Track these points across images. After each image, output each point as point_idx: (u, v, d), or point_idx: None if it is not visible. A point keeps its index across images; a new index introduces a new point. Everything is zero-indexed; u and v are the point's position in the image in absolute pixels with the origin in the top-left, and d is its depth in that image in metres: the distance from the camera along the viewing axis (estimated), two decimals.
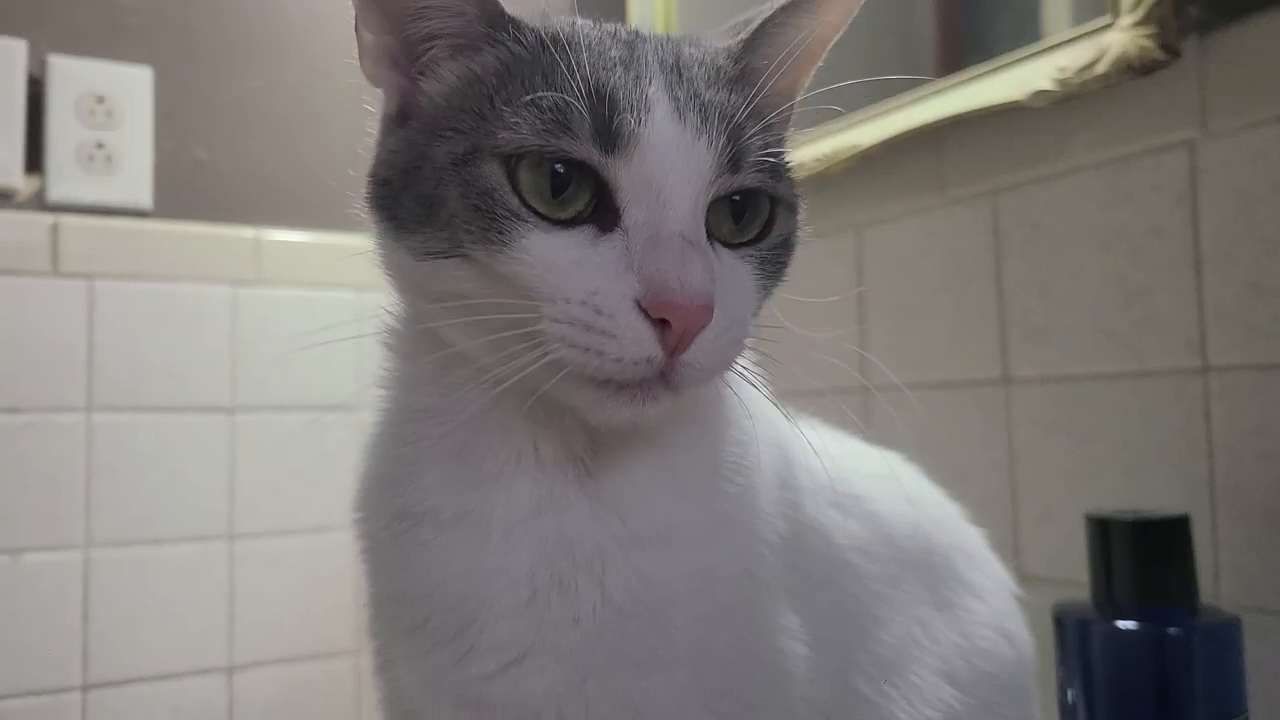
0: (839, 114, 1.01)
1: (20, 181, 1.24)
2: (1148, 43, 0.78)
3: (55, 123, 1.25)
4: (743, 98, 0.50)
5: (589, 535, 0.50)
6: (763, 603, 0.51)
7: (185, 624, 1.27)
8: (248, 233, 1.34)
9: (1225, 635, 0.71)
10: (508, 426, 0.52)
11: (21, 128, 1.24)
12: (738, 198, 0.50)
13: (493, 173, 0.46)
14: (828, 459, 0.56)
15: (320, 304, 1.36)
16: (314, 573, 1.34)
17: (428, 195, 0.48)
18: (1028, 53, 0.90)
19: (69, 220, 1.25)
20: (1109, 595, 0.74)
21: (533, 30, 0.50)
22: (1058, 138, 0.92)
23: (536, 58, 0.48)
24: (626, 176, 0.46)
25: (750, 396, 0.55)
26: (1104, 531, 0.75)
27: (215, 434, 1.30)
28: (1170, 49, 0.78)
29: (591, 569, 0.49)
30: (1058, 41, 0.87)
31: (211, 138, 1.35)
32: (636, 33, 0.53)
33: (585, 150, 0.46)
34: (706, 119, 0.48)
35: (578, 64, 0.46)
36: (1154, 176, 0.85)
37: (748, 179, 0.49)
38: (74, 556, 1.22)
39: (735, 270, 0.50)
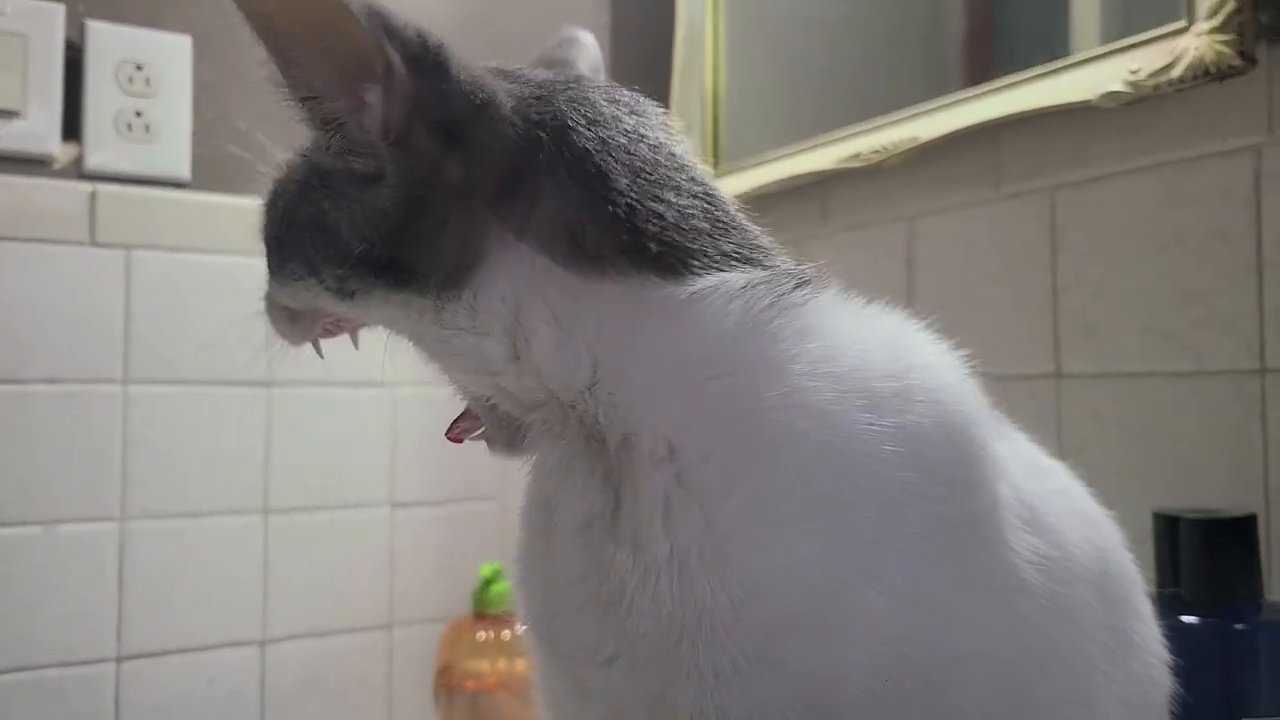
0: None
1: (58, 149, 1.22)
2: (1226, 49, 0.79)
3: (93, 90, 1.24)
4: None
5: (626, 559, 0.50)
6: (850, 606, 0.48)
7: (220, 597, 1.27)
8: None
9: None
10: (556, 454, 0.54)
11: (59, 94, 1.22)
12: None
13: None
14: (1019, 472, 0.55)
15: None
16: (347, 548, 1.35)
17: None
18: (1090, 54, 0.92)
19: (106, 189, 1.24)
20: (1175, 591, 0.76)
21: None
22: (1118, 138, 0.93)
23: None
24: None
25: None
26: (1172, 528, 0.76)
27: (252, 408, 1.30)
28: (1248, 56, 0.79)
29: (642, 590, 0.49)
30: (1125, 44, 0.88)
31: (250, 107, 1.33)
32: None
33: None
34: None
35: None
36: (1219, 180, 0.86)
37: None
38: (109, 528, 1.22)
39: None
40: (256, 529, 1.30)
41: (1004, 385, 1.02)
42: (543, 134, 0.51)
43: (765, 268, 0.54)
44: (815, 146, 1.14)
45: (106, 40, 1.25)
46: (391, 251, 0.51)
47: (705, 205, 0.54)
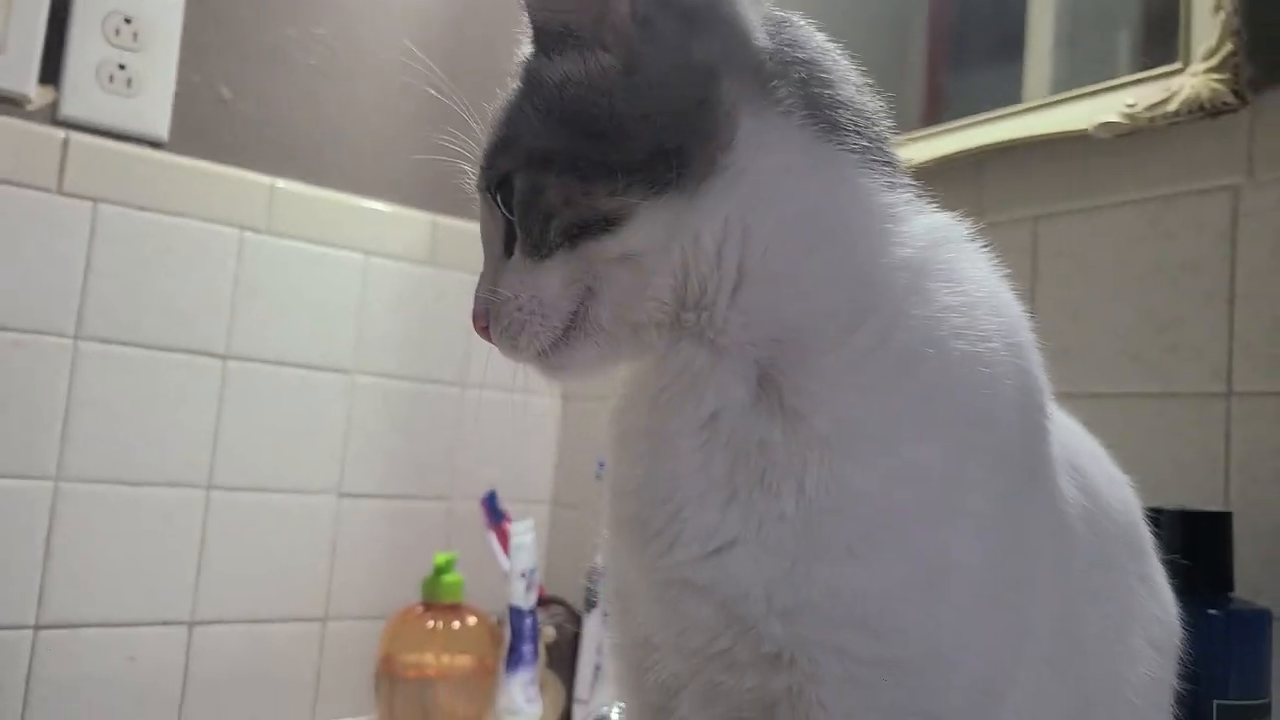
0: None
1: (34, 90, 1.18)
2: (1221, 87, 0.86)
3: (77, 35, 1.21)
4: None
5: (778, 438, 0.51)
6: (965, 503, 0.51)
7: (151, 572, 1.21)
8: (263, 179, 1.31)
9: (1257, 621, 0.78)
10: (675, 349, 0.54)
11: (41, 34, 1.19)
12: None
13: None
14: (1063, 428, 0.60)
15: (328, 261, 1.34)
16: (290, 534, 1.30)
17: None
18: (1082, 91, 0.99)
19: (80, 138, 1.20)
20: None
21: None
22: (1101, 173, 1.00)
23: None
24: None
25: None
26: (1155, 520, 0.81)
27: (206, 379, 1.26)
28: (1241, 96, 0.86)
29: (789, 469, 0.51)
30: (1121, 82, 0.95)
31: (237, 78, 1.32)
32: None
33: None
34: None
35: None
36: (1197, 216, 0.93)
37: (480, 180, 0.57)
38: (43, 487, 1.15)
39: (518, 254, 0.54)
40: (197, 504, 1.24)
41: None
42: (774, 27, 0.55)
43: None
44: None
45: None
46: (662, 139, 0.51)
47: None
